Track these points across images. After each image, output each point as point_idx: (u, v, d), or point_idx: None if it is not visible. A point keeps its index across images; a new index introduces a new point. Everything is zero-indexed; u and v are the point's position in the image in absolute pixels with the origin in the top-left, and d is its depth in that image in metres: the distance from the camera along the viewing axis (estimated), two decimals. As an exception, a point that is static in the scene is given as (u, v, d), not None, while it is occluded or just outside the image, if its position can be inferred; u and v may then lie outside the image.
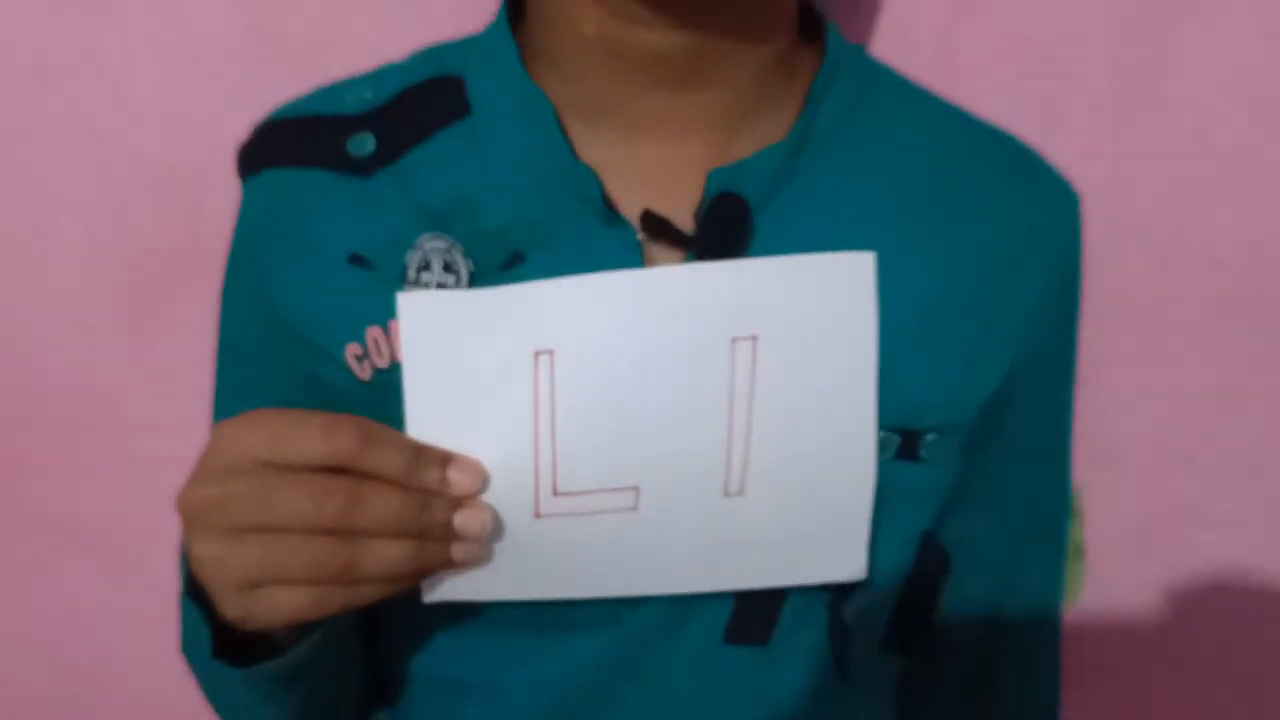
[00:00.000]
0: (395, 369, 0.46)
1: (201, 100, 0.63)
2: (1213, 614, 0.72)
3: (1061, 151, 0.55)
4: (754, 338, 0.43)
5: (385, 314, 0.47)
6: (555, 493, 0.44)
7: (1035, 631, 0.57)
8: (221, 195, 0.57)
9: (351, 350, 0.47)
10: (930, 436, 0.48)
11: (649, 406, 0.43)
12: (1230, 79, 0.61)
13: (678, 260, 0.46)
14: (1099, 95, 0.62)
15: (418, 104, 0.49)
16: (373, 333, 0.47)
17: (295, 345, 0.49)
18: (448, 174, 0.48)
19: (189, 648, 0.48)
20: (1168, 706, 0.74)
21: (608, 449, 0.44)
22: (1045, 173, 0.52)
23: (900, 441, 0.47)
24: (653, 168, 0.47)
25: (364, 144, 0.49)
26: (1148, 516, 0.70)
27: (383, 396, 0.46)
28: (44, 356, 0.68)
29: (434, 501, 0.41)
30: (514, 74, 0.48)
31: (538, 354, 0.43)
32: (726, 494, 0.45)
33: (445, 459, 0.42)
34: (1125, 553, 0.71)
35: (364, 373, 0.47)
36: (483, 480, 0.43)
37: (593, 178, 0.46)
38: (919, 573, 0.51)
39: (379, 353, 0.47)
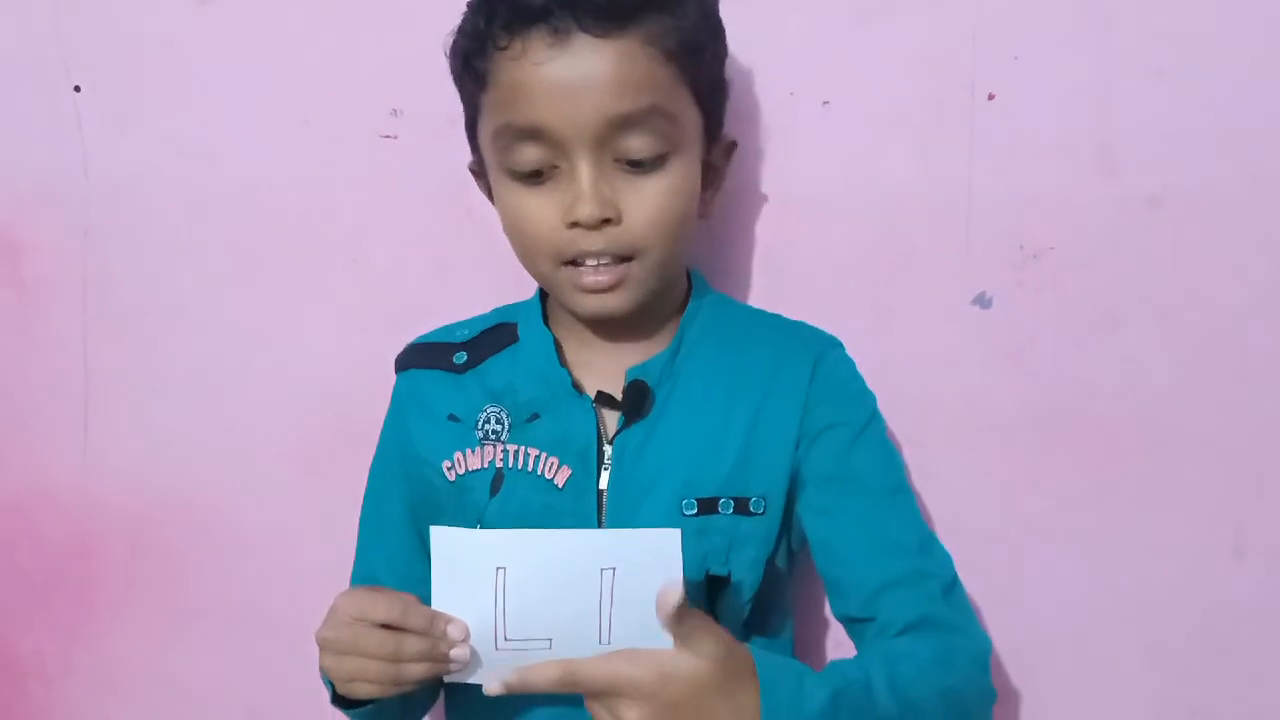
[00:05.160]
0: (466, 476, 0.86)
1: (357, 346, 1.10)
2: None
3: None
4: (614, 568, 0.70)
5: (464, 447, 0.87)
6: (505, 638, 0.72)
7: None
8: (369, 404, 0.99)
9: (445, 464, 0.88)
10: (754, 499, 0.84)
11: (557, 597, 0.71)
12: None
13: (615, 416, 0.85)
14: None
15: (491, 337, 0.91)
16: (456, 456, 0.87)
17: (417, 462, 0.90)
18: (503, 373, 0.89)
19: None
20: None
21: (534, 619, 0.72)
22: (811, 329, 0.92)
23: (735, 504, 0.83)
24: (601, 367, 0.87)
25: (461, 358, 0.90)
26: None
27: (459, 489, 0.86)
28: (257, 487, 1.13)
29: (440, 644, 0.72)
30: (538, 324, 0.89)
31: (498, 568, 0.71)
32: (600, 643, 0.71)
33: (448, 620, 0.72)
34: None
35: (451, 477, 0.87)
36: (466, 633, 0.72)
37: (567, 375, 0.86)
38: (766, 583, 0.85)
39: (459, 467, 0.88)
